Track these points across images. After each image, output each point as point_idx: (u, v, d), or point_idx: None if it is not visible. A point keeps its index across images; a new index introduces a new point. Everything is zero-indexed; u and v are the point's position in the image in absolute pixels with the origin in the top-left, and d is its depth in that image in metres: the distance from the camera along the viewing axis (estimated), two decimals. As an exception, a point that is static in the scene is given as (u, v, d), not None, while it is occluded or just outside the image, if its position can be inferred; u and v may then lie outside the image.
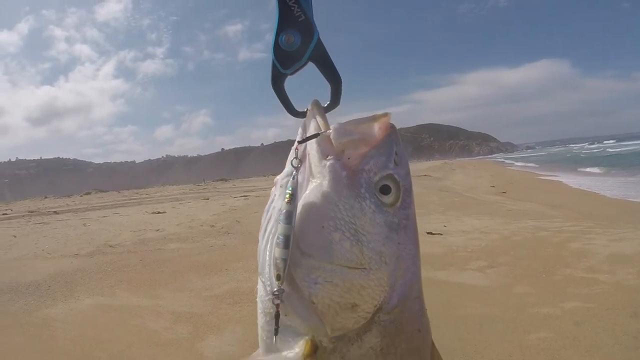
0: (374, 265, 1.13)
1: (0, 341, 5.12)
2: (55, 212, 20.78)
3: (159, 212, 17.39)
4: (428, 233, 9.55)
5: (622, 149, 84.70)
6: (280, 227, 1.11)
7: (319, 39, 1.30)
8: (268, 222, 1.21)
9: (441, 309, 5.27)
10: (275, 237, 1.13)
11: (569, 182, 28.26)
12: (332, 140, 1.17)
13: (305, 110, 1.30)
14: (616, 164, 42.73)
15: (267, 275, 1.17)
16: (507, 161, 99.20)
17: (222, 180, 52.69)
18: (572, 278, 6.21)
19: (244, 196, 22.71)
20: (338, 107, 1.35)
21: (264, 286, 1.19)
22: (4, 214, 21.34)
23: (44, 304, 6.30)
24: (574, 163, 51.61)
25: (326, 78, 1.34)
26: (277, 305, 1.12)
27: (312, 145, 1.20)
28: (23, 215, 19.89)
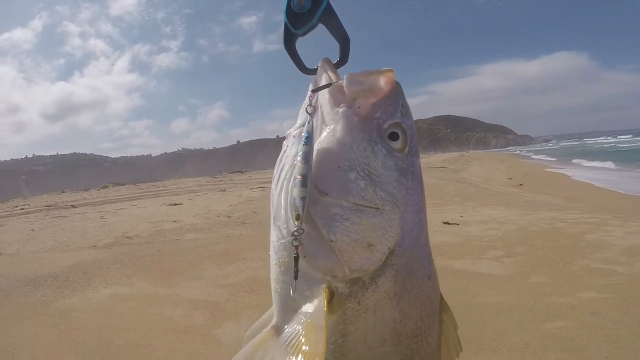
0: (387, 206, 1.18)
1: (19, 332, 5.18)
2: (73, 206, 20.90)
3: (175, 204, 17.48)
4: (444, 223, 9.57)
5: (635, 144, 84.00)
6: (298, 168, 1.15)
7: (328, 2, 1.35)
8: (281, 170, 1.24)
9: (457, 297, 5.27)
10: (292, 179, 1.17)
11: (575, 175, 28.14)
12: (345, 89, 1.22)
13: (316, 67, 1.35)
14: (625, 159, 42.59)
15: (282, 219, 1.20)
16: (524, 153, 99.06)
17: (238, 172, 52.67)
18: (589, 269, 6.18)
19: (260, 187, 22.73)
20: (346, 64, 1.39)
21: (280, 231, 1.22)
22: (21, 209, 21.50)
23: (62, 294, 6.37)
24: (584, 157, 51.67)
25: (335, 38, 1.39)
26: (297, 247, 1.14)
27: (324, 95, 1.25)
28: (41, 210, 20.03)
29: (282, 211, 1.20)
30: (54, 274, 7.32)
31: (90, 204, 21.87)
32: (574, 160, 48.35)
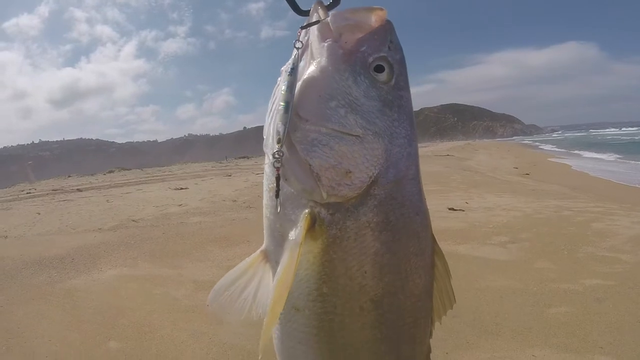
0: (368, 136, 1.19)
1: (24, 312, 5.23)
2: (79, 190, 20.94)
3: (181, 188, 17.49)
4: (449, 209, 9.57)
5: (638, 136, 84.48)
6: (281, 96, 1.18)
7: None
8: (273, 103, 1.25)
9: (461, 281, 5.27)
10: (277, 107, 1.20)
11: (578, 166, 28.21)
12: (331, 25, 1.23)
13: (309, 9, 1.35)
14: (624, 150, 42.99)
15: (270, 146, 1.23)
16: (531, 143, 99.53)
17: (244, 157, 52.60)
18: (594, 256, 6.20)
19: (266, 173, 22.76)
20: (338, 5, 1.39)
21: (268, 157, 1.25)
22: (28, 193, 21.55)
23: (67, 275, 6.42)
24: (589, 148, 52.47)
25: None
26: (278, 169, 1.18)
27: (313, 31, 1.27)
28: (47, 194, 20.06)
29: (270, 139, 1.23)
30: (60, 256, 7.36)
31: (96, 188, 21.92)
32: (579, 152, 48.74)
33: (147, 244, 7.96)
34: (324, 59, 1.21)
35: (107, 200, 15.06)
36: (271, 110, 1.25)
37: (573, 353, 3.90)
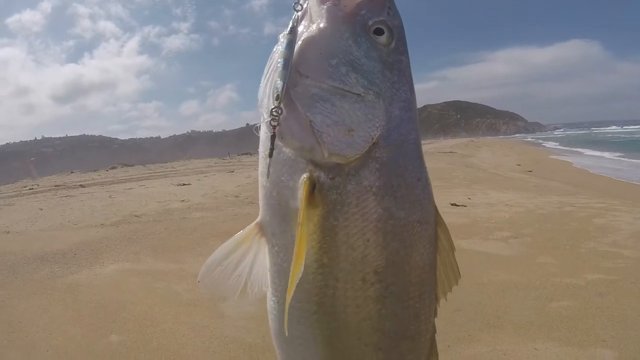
0: (370, 95, 1.18)
1: (25, 307, 5.23)
2: (82, 186, 20.92)
3: (184, 184, 17.47)
4: (452, 204, 9.58)
5: (638, 135, 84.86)
6: (280, 53, 1.16)
7: None
8: (270, 66, 1.23)
9: (464, 276, 5.20)
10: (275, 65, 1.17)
11: (578, 163, 28.33)
12: None
13: None
14: (624, 149, 43.25)
15: (266, 105, 1.19)
16: (533, 140, 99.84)
17: (246, 154, 52.53)
18: (596, 251, 6.19)
19: (270, 168, 22.74)
20: None
21: (263, 117, 1.21)
22: (30, 189, 21.55)
23: (69, 270, 6.41)
24: (591, 146, 52.98)
25: None
26: (274, 127, 1.14)
27: None
28: (49, 190, 20.03)
29: (267, 98, 1.19)
30: (62, 251, 7.35)
31: (99, 184, 21.89)
32: (581, 149, 49.07)
33: (149, 239, 7.96)
34: (324, 20, 1.20)
35: (110, 196, 15.05)
36: (268, 72, 1.22)
37: (575, 347, 3.89)
